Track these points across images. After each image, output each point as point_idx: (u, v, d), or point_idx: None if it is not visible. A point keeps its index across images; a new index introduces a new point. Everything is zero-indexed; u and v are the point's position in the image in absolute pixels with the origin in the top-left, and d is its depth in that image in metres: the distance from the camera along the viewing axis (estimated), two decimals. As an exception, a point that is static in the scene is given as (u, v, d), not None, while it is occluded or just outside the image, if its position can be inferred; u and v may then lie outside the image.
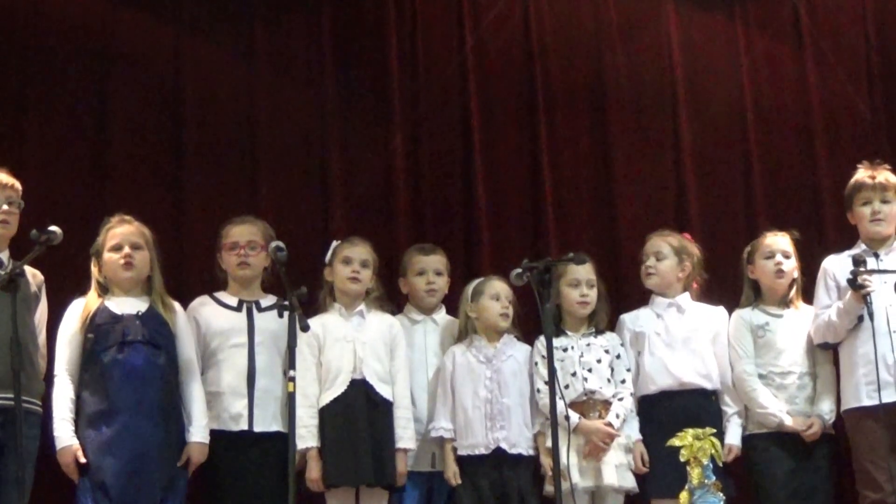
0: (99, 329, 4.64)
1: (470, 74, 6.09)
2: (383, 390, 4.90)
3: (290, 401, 4.16)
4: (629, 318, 5.24)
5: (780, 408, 5.03)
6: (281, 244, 4.28)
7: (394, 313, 5.17)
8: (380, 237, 5.48)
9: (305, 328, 4.18)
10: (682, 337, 5.11)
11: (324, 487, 4.82)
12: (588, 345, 5.05)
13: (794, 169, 6.23)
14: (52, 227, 4.21)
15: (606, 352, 5.05)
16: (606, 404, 4.98)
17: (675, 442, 4.04)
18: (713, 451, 4.00)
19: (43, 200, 5.15)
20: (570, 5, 6.28)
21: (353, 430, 4.80)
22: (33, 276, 4.66)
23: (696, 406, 5.01)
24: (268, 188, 5.86)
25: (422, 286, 5.18)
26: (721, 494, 4.00)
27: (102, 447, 4.52)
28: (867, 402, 4.84)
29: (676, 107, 6.19)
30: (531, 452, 4.94)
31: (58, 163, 5.66)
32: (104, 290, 4.76)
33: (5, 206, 4.63)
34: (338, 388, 4.85)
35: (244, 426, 4.79)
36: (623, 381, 5.04)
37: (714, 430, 4.09)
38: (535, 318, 4.74)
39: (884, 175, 5.10)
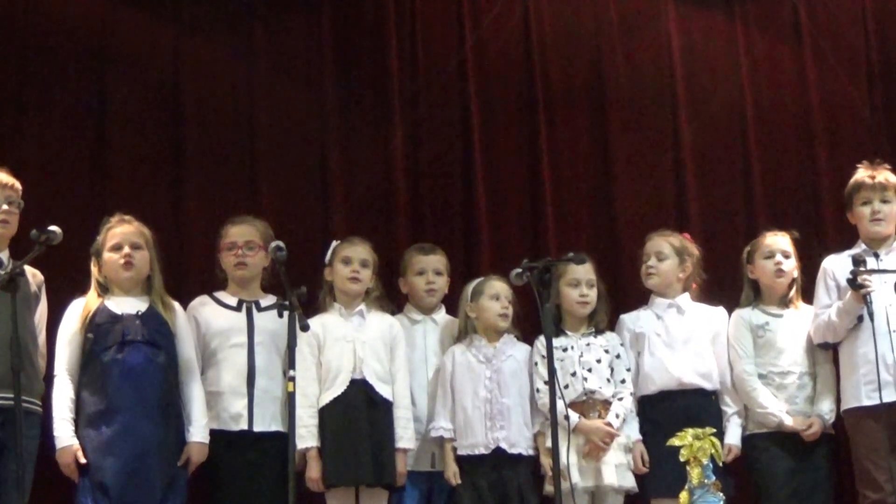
0: (99, 329, 4.63)
1: (470, 74, 6.09)
2: (383, 390, 4.90)
3: (289, 401, 4.16)
4: (629, 319, 5.24)
5: (780, 407, 5.03)
6: (281, 244, 4.28)
7: (394, 313, 5.17)
8: (380, 237, 5.48)
9: (305, 328, 4.18)
10: (682, 337, 5.11)
11: (323, 487, 4.82)
12: (588, 345, 5.05)
13: (794, 169, 6.22)
14: (52, 227, 4.21)
15: (606, 351, 5.05)
16: (606, 404, 4.98)
17: (675, 442, 4.04)
18: (713, 451, 4.00)
19: (43, 200, 5.14)
20: (570, 5, 6.28)
21: (352, 430, 4.80)
22: (33, 275, 4.66)
23: (696, 406, 5.01)
24: (268, 188, 5.86)
25: (421, 286, 5.18)
26: (721, 494, 4.00)
27: (102, 447, 4.52)
28: (867, 402, 4.84)
29: (676, 107, 6.19)
30: (531, 452, 4.94)
31: (57, 163, 5.66)
32: (104, 289, 4.76)
33: (5, 206, 4.63)
34: (338, 388, 4.86)
35: (244, 426, 4.80)
36: (623, 381, 5.04)
37: (714, 430, 4.09)
38: (535, 318, 4.73)
39: (884, 175, 5.10)
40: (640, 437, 5.02)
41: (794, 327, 5.14)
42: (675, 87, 6.20)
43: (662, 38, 6.27)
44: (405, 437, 4.88)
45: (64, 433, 4.55)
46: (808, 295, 5.20)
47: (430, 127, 6.07)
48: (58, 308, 4.76)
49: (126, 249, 4.72)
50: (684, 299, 5.21)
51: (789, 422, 5.01)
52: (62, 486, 4.66)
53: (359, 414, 4.83)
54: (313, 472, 4.79)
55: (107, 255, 4.75)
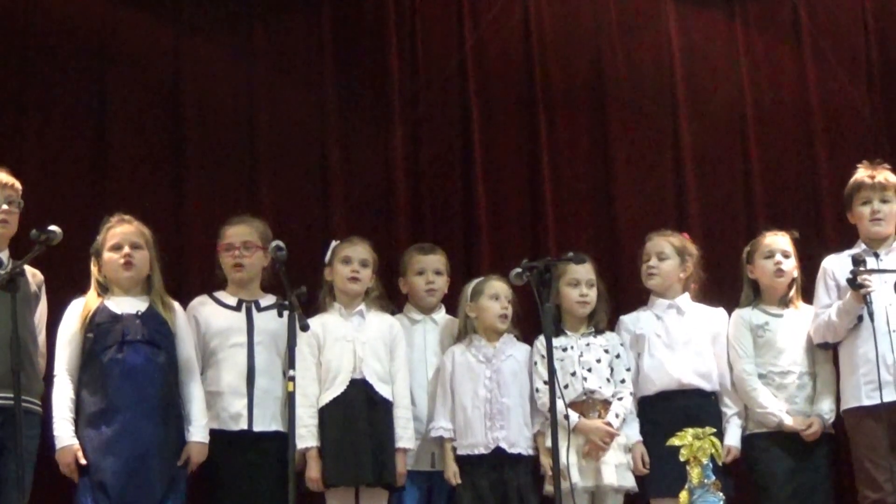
0: (98, 328, 4.63)
1: (470, 74, 6.09)
2: (383, 390, 4.90)
3: (289, 400, 4.16)
4: (629, 320, 5.23)
5: (780, 407, 5.03)
6: (281, 243, 4.27)
7: (394, 313, 5.17)
8: (380, 237, 5.48)
9: (305, 328, 4.18)
10: (682, 338, 5.11)
11: (323, 487, 4.82)
12: (587, 344, 5.05)
13: (794, 169, 6.23)
14: (52, 227, 4.21)
15: (606, 351, 5.05)
16: (606, 404, 4.98)
17: (675, 441, 4.04)
18: (713, 451, 4.00)
19: (43, 200, 5.15)
20: (570, 5, 6.28)
21: (352, 430, 4.80)
22: (33, 275, 4.66)
23: (696, 407, 5.00)
24: (268, 188, 5.86)
25: (421, 286, 5.18)
26: (721, 494, 4.00)
27: (102, 447, 4.52)
28: (867, 402, 4.84)
29: (676, 106, 6.19)
30: (531, 452, 4.94)
31: (57, 162, 5.66)
32: (104, 289, 4.76)
33: (5, 206, 4.63)
34: (338, 388, 4.86)
35: (244, 426, 4.79)
36: (623, 381, 5.04)
37: (714, 430, 4.09)
38: (535, 318, 4.74)
39: (883, 175, 5.10)
40: (640, 438, 5.02)
41: (793, 327, 5.14)
42: (675, 87, 6.20)
43: (662, 38, 6.27)
44: (405, 436, 4.88)
45: (64, 433, 4.55)
46: (808, 295, 5.20)
47: (430, 127, 6.07)
48: (58, 308, 4.76)
49: (126, 249, 4.72)
50: (684, 300, 5.21)
51: (789, 421, 5.01)
52: (62, 486, 4.66)
53: (359, 414, 4.83)
54: (313, 471, 4.79)
55: (107, 255, 4.75)
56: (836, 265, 5.07)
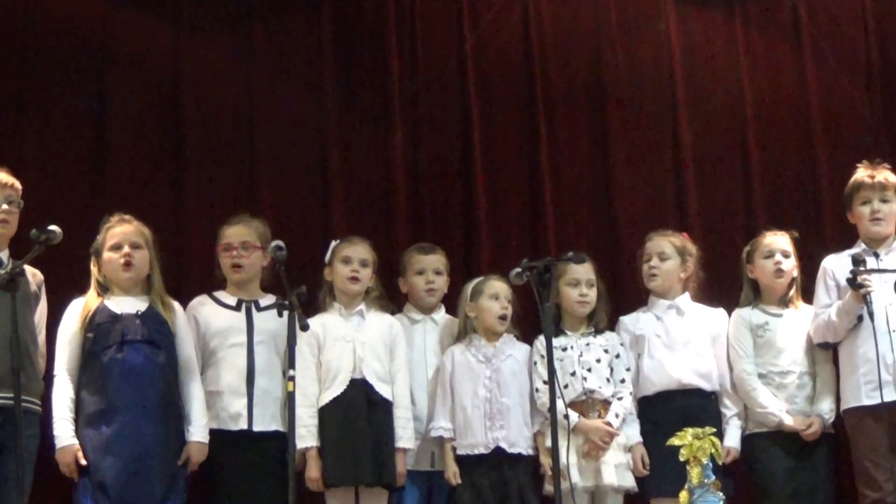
0: (98, 328, 4.64)
1: (470, 74, 6.09)
2: (383, 390, 4.90)
3: (289, 400, 4.16)
4: (629, 321, 5.23)
5: (780, 407, 5.03)
6: (280, 243, 4.28)
7: (394, 313, 5.17)
8: (380, 237, 5.48)
9: (305, 327, 4.18)
10: (682, 339, 5.11)
11: (323, 487, 4.82)
12: (587, 344, 5.05)
13: (794, 169, 6.22)
14: (52, 227, 4.21)
15: (606, 351, 5.05)
16: (606, 404, 4.98)
17: (675, 441, 4.04)
18: (713, 451, 4.00)
19: (43, 200, 5.14)
20: (570, 5, 6.28)
21: (352, 430, 4.80)
22: (33, 275, 4.66)
23: (696, 407, 5.00)
24: (268, 188, 5.86)
25: (421, 285, 5.18)
26: (721, 494, 4.00)
27: (102, 447, 4.52)
28: (867, 402, 4.84)
29: (676, 106, 6.18)
30: (531, 452, 4.94)
31: (57, 162, 5.67)
32: (104, 289, 4.76)
33: (5, 206, 4.63)
34: (337, 388, 4.86)
35: (243, 426, 4.79)
36: (622, 381, 5.04)
37: (714, 430, 4.09)
38: (535, 318, 4.74)
39: (883, 174, 5.10)
40: (640, 439, 5.02)
41: (793, 327, 5.14)
42: (675, 87, 6.20)
43: (662, 38, 6.27)
44: (405, 436, 4.88)
45: (64, 433, 4.55)
46: (808, 295, 5.20)
47: (430, 127, 6.07)
48: (58, 308, 4.76)
49: (126, 249, 4.72)
50: (684, 300, 5.20)
51: (789, 421, 5.01)
52: (62, 486, 4.65)
53: (358, 414, 4.83)
54: (313, 471, 4.79)
55: (106, 255, 4.75)
56: (835, 265, 5.06)
